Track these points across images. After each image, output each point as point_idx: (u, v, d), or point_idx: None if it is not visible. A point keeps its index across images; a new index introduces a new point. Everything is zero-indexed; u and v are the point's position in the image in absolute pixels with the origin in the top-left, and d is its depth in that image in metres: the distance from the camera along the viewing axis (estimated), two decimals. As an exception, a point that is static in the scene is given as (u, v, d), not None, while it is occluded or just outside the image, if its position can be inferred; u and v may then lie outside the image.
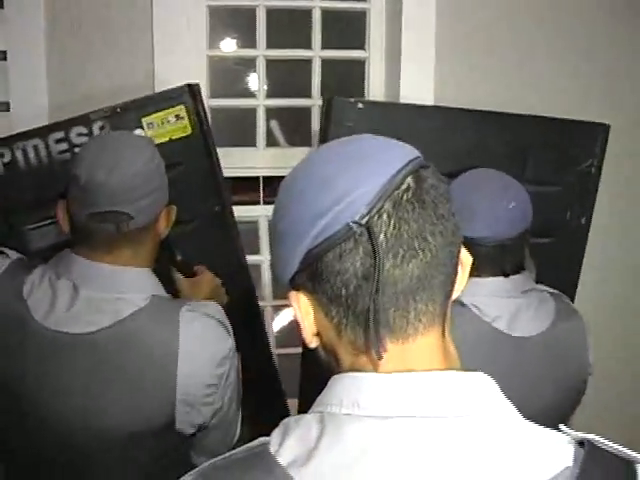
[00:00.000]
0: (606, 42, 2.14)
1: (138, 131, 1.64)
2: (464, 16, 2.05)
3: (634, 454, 0.61)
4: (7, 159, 1.60)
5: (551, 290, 1.47)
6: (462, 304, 1.31)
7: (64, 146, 1.62)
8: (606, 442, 0.61)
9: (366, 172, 0.64)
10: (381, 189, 0.63)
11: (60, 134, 1.62)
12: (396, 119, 1.75)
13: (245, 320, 1.75)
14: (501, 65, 2.09)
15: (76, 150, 1.59)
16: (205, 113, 1.69)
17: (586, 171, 1.87)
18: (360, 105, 1.67)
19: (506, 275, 1.36)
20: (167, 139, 1.66)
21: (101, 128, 1.63)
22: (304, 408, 0.70)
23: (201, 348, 1.22)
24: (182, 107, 1.66)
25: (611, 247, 2.19)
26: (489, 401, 0.63)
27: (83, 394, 1.19)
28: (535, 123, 1.83)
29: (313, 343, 0.71)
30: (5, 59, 1.85)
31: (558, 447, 0.61)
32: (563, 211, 1.90)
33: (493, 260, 1.34)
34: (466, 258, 0.71)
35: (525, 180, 1.70)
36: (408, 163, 0.65)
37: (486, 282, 1.35)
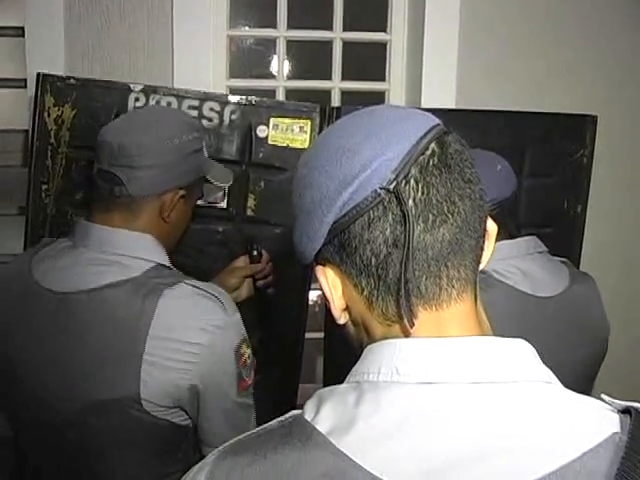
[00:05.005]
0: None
1: (261, 127, 1.67)
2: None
3: None
4: (140, 104, 1.66)
5: (559, 258, 1.52)
6: (482, 271, 1.31)
7: (194, 113, 1.67)
8: None
9: (390, 139, 0.62)
10: (406, 155, 0.60)
11: (195, 102, 1.68)
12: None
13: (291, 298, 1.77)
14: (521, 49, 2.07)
15: (203, 121, 1.67)
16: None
17: (579, 161, 1.98)
18: None
19: (512, 236, 1.39)
20: (285, 144, 1.72)
21: (232, 112, 1.68)
22: None
23: (178, 315, 1.14)
24: (309, 122, 1.72)
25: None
26: (531, 368, 0.60)
27: (49, 353, 1.17)
28: (530, 119, 1.90)
29: (342, 319, 0.68)
30: (23, 35, 1.83)
31: (603, 414, 0.59)
32: (560, 201, 1.99)
33: (499, 223, 1.36)
34: (492, 227, 0.69)
35: (524, 174, 1.79)
36: (431, 129, 0.63)
37: (498, 246, 1.36)
